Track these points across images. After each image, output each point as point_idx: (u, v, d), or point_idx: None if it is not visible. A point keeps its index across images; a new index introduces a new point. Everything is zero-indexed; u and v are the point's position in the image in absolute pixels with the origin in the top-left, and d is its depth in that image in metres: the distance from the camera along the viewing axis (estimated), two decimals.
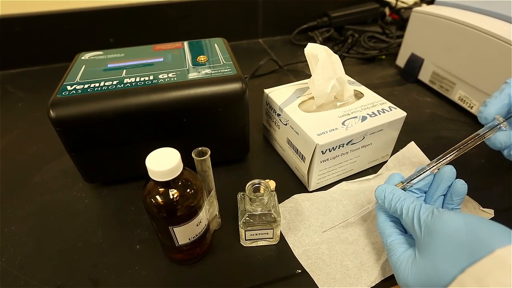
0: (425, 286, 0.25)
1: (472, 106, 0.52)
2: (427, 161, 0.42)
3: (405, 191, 0.32)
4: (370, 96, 0.44)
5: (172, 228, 0.29)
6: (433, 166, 0.32)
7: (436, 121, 0.54)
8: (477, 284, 0.20)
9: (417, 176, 0.32)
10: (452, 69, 0.54)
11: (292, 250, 0.34)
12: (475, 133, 0.32)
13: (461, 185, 0.31)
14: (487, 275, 0.20)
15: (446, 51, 0.54)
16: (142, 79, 0.38)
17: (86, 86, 0.37)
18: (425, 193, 0.33)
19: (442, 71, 0.56)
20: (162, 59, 0.43)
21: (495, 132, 0.31)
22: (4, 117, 0.58)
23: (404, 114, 0.41)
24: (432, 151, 0.45)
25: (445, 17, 0.53)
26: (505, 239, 0.21)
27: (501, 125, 0.31)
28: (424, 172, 0.32)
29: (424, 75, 0.61)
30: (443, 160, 0.32)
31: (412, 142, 0.44)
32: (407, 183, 0.32)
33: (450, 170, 0.31)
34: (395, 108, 0.42)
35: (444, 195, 0.32)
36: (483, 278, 0.20)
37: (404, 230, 0.31)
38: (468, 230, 0.23)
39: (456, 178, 0.32)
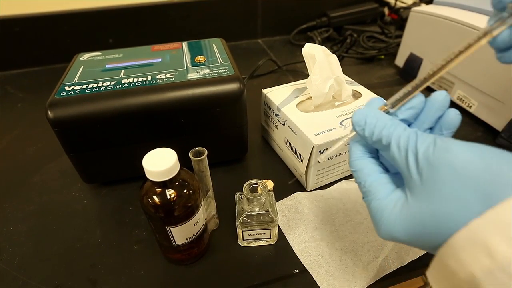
0: (418, 238, 0.20)
1: (471, 106, 0.52)
2: None
3: None
4: (368, 96, 0.44)
5: (169, 228, 0.29)
6: (429, 79, 0.24)
7: None
8: (498, 232, 0.15)
9: (408, 95, 0.24)
10: (451, 69, 0.54)
11: (292, 247, 0.34)
12: (481, 31, 0.23)
13: (455, 115, 0.23)
14: None
15: (445, 51, 0.54)
16: (140, 79, 0.38)
17: (84, 86, 0.37)
18: (409, 125, 0.25)
19: None
20: (160, 60, 0.43)
21: (507, 26, 0.22)
22: (4, 117, 0.58)
23: None
24: None
25: (444, 16, 0.53)
26: None
27: None
28: (418, 88, 0.24)
29: (423, 75, 0.60)
30: (442, 69, 0.24)
31: None
32: (392, 107, 0.24)
33: (445, 97, 0.24)
34: None
35: (431, 128, 0.25)
36: (509, 223, 0.15)
37: (385, 169, 0.25)
38: (486, 166, 0.17)
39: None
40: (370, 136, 0.23)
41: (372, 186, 0.23)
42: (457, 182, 0.18)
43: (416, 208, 0.20)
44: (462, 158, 0.18)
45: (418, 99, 0.24)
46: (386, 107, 0.24)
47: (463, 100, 0.53)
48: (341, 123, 0.38)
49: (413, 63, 0.61)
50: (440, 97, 0.24)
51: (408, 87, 0.24)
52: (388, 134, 0.22)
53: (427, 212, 0.19)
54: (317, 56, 0.38)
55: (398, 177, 0.24)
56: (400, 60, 0.66)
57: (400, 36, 0.66)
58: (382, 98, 0.26)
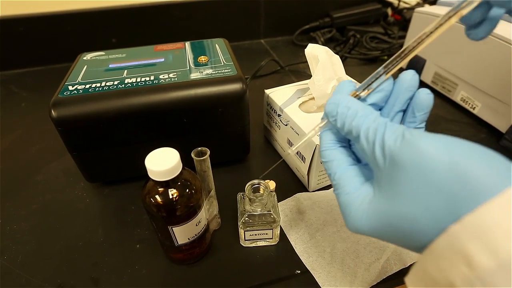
0: (387, 236, 0.19)
1: (475, 107, 0.51)
2: None
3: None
4: None
5: (171, 227, 0.29)
6: (399, 61, 0.22)
7: (438, 122, 0.53)
8: (477, 239, 0.14)
9: (376, 80, 0.23)
10: (455, 70, 0.54)
11: (294, 248, 0.34)
12: (451, 10, 0.22)
13: (426, 95, 0.22)
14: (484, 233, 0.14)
15: (448, 52, 0.54)
16: (143, 79, 0.38)
17: (87, 86, 0.37)
18: (380, 110, 0.24)
19: (444, 72, 0.56)
20: (163, 60, 0.43)
21: (476, 4, 0.21)
22: (8, 116, 0.58)
23: None
24: None
25: None
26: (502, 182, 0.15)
27: None
28: (382, 73, 0.23)
29: (426, 76, 0.60)
30: (413, 50, 0.22)
31: None
32: (363, 91, 0.23)
33: (413, 76, 0.22)
34: None
35: (404, 110, 0.23)
36: (487, 229, 0.14)
37: (357, 159, 0.24)
38: (452, 165, 0.16)
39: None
40: (342, 127, 0.22)
41: (341, 179, 0.22)
42: (421, 183, 0.17)
43: (382, 206, 0.19)
44: (427, 155, 0.16)
45: (386, 81, 0.23)
46: (357, 93, 0.23)
47: (467, 102, 0.53)
48: None
49: (416, 64, 0.61)
50: (407, 76, 0.22)
51: (379, 69, 0.23)
52: (357, 125, 0.20)
53: (392, 213, 0.18)
54: (320, 57, 0.38)
55: (368, 168, 0.23)
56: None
57: (404, 37, 0.66)
58: (354, 82, 0.24)
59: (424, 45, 0.22)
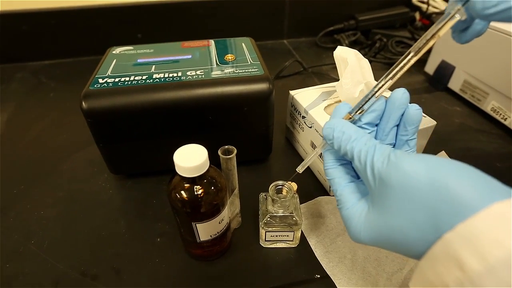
0: (385, 246, 0.21)
1: (506, 118, 0.50)
2: None
3: (355, 124, 0.25)
4: None
5: (195, 224, 0.29)
6: (388, 79, 0.24)
7: (465, 131, 0.52)
8: (468, 246, 0.16)
9: (368, 100, 0.25)
10: (486, 78, 0.52)
11: (314, 251, 0.34)
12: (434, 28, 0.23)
13: (415, 111, 0.24)
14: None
15: (480, 59, 0.52)
16: (170, 75, 0.39)
17: (117, 79, 0.38)
18: (377, 125, 0.26)
19: (474, 79, 0.54)
20: (190, 56, 0.43)
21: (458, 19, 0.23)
22: (37, 106, 0.60)
23: (433, 122, 0.40)
24: None
25: None
26: (480, 202, 0.16)
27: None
28: (372, 96, 0.24)
29: (455, 84, 0.58)
30: (401, 70, 0.24)
31: (443, 151, 0.43)
32: (356, 112, 0.25)
33: (403, 95, 0.24)
34: (425, 116, 0.40)
35: (398, 125, 0.25)
36: (477, 237, 0.16)
37: (357, 175, 0.26)
38: (432, 183, 0.18)
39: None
40: (339, 149, 0.24)
41: (342, 195, 0.24)
42: (405, 199, 0.19)
43: (375, 220, 0.21)
44: (410, 175, 0.19)
45: (378, 101, 0.25)
46: (351, 115, 0.25)
47: (498, 112, 0.51)
48: None
49: (445, 71, 0.60)
50: (398, 95, 0.24)
51: (369, 92, 0.25)
52: (351, 148, 0.23)
53: (384, 226, 0.20)
54: (349, 60, 0.37)
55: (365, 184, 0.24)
56: (430, 67, 0.64)
57: None
58: (348, 104, 0.26)
59: (410, 64, 0.24)
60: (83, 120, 0.37)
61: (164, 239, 0.36)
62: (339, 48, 0.39)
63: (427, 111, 0.42)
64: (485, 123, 0.53)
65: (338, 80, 0.40)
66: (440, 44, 0.61)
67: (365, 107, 0.25)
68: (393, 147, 0.26)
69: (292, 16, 0.80)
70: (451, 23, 0.23)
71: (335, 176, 0.25)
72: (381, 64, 0.70)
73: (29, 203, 0.40)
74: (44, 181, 0.44)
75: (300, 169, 0.29)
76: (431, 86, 0.63)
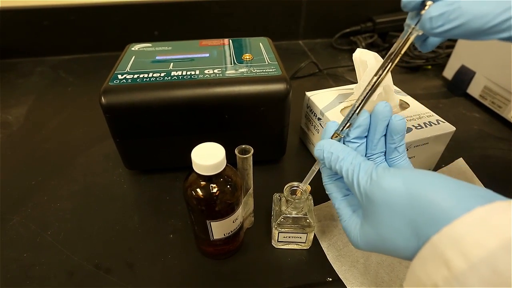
0: (382, 252, 0.23)
1: None
2: (476, 180, 0.39)
3: (344, 141, 0.27)
4: (417, 107, 0.42)
5: (210, 222, 0.29)
6: (366, 95, 0.26)
7: (484, 138, 0.50)
8: (453, 246, 0.17)
9: (349, 119, 0.26)
10: (508, 85, 0.50)
11: (326, 254, 0.34)
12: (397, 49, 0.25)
13: (398, 121, 0.25)
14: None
15: (502, 65, 0.51)
16: (188, 73, 0.39)
17: (135, 76, 0.38)
18: (366, 137, 0.27)
19: (495, 86, 0.53)
20: (208, 55, 0.43)
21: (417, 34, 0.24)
22: (56, 99, 0.61)
23: (453, 128, 0.39)
24: (478, 171, 0.42)
25: None
26: (457, 209, 0.18)
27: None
28: (356, 109, 0.26)
29: (474, 89, 0.57)
30: (377, 80, 0.25)
31: (461, 158, 0.42)
32: (342, 129, 0.27)
33: (384, 108, 0.25)
34: (443, 122, 0.40)
35: (385, 135, 0.27)
36: (461, 238, 0.17)
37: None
38: (409, 195, 0.20)
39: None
40: (330, 168, 0.26)
41: (339, 209, 0.27)
42: (389, 214, 0.21)
43: (368, 231, 0.23)
44: (389, 192, 0.21)
45: (362, 116, 0.26)
46: (338, 134, 0.27)
47: None
48: None
49: (464, 76, 0.58)
50: (380, 108, 0.25)
51: (349, 111, 0.27)
52: (340, 167, 0.25)
53: (376, 236, 0.22)
54: (369, 63, 0.37)
55: None
56: (449, 72, 0.62)
57: (451, 47, 0.63)
58: (335, 122, 0.28)
59: (383, 78, 0.26)
60: (100, 114, 0.37)
61: (176, 236, 0.36)
62: (358, 50, 0.39)
63: (444, 117, 0.41)
64: (506, 130, 0.52)
65: (354, 82, 0.39)
66: (460, 48, 0.59)
67: (351, 122, 0.27)
68: (384, 154, 0.27)
69: (308, 17, 0.80)
70: (410, 41, 0.25)
71: (332, 191, 0.28)
72: (397, 67, 0.69)
73: (46, 194, 0.41)
74: (61, 174, 0.44)
75: (302, 186, 0.31)
76: (449, 91, 0.62)
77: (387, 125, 0.26)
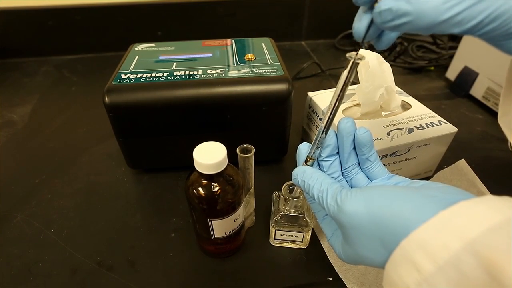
0: (359, 264, 0.24)
1: None
2: (478, 181, 0.39)
3: (318, 161, 0.28)
4: (419, 108, 0.42)
5: (211, 220, 0.29)
6: (328, 119, 0.26)
7: (487, 140, 0.50)
8: (421, 250, 0.18)
9: (319, 139, 0.27)
10: None
11: (326, 254, 0.34)
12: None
13: (362, 135, 0.26)
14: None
15: (505, 66, 0.51)
16: (191, 73, 0.39)
17: (139, 76, 0.39)
18: (337, 153, 0.28)
19: (498, 87, 0.53)
20: (210, 55, 0.44)
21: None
22: (59, 99, 0.62)
23: (455, 129, 0.39)
24: (481, 172, 0.42)
25: None
26: (420, 217, 0.19)
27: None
28: (323, 131, 0.26)
29: (477, 91, 0.57)
30: (338, 107, 0.25)
31: (463, 159, 0.42)
32: (313, 152, 0.27)
33: (346, 124, 0.26)
34: (445, 123, 0.40)
35: (354, 147, 0.28)
36: (427, 242, 0.18)
37: None
38: (370, 215, 0.21)
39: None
40: (308, 193, 0.27)
41: (322, 227, 0.28)
42: (358, 235, 0.22)
43: (347, 249, 0.24)
44: (353, 215, 0.22)
45: (329, 136, 0.27)
46: (310, 157, 0.27)
47: None
48: (388, 134, 0.37)
49: (467, 77, 0.58)
50: (342, 125, 0.26)
51: (317, 133, 0.27)
52: (312, 193, 0.26)
53: (353, 253, 0.23)
54: (371, 63, 0.37)
55: None
56: (452, 73, 0.62)
57: (454, 48, 0.63)
58: (306, 144, 0.28)
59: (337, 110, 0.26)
60: (103, 114, 0.38)
61: (178, 234, 0.37)
62: (360, 51, 0.39)
63: (447, 118, 0.41)
64: None
65: (356, 83, 0.39)
66: (463, 50, 0.59)
67: (320, 144, 0.27)
68: (358, 165, 0.28)
69: (311, 18, 0.80)
70: (356, 66, 0.25)
71: (316, 210, 0.29)
72: (401, 68, 0.69)
73: (50, 193, 0.42)
74: (64, 172, 0.45)
75: (302, 196, 0.32)
76: (451, 92, 0.62)
77: (354, 139, 0.27)
